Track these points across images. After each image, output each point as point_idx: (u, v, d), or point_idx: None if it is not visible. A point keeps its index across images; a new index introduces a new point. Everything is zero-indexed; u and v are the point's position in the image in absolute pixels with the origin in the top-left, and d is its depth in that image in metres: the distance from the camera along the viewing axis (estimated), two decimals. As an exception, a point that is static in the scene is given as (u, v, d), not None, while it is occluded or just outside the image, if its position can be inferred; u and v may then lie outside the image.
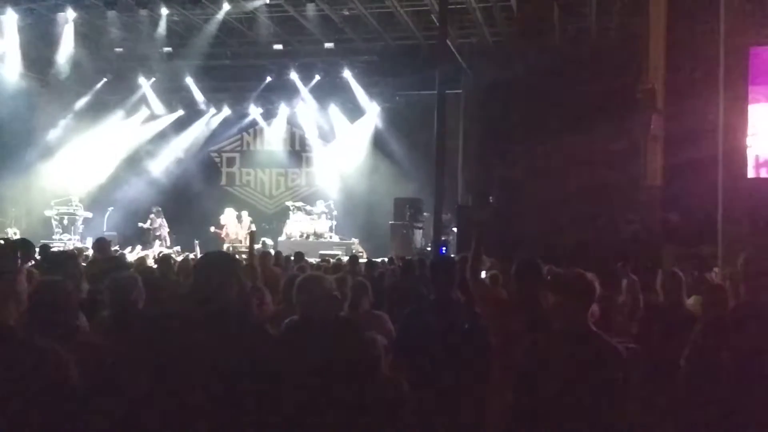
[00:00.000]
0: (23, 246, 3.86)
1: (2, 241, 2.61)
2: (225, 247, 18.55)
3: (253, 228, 19.88)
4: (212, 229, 19.40)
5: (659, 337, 4.89)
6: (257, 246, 17.21)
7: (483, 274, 8.54)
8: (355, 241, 19.57)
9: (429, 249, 16.59)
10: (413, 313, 4.49)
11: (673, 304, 5.28)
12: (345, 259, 11.77)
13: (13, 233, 17.47)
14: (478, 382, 4.23)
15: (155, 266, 8.63)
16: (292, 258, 10.54)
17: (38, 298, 2.83)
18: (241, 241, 18.95)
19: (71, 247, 15.15)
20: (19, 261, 2.30)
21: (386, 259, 12.77)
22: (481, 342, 4.24)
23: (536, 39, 16.02)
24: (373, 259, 12.03)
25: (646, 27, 14.24)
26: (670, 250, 11.88)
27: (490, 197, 16.15)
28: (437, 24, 15.70)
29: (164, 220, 19.56)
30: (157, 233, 19.21)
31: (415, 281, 7.04)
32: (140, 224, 19.21)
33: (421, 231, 18.90)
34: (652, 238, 12.84)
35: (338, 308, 4.30)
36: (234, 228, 19.48)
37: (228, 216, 19.55)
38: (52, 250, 11.49)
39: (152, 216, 19.35)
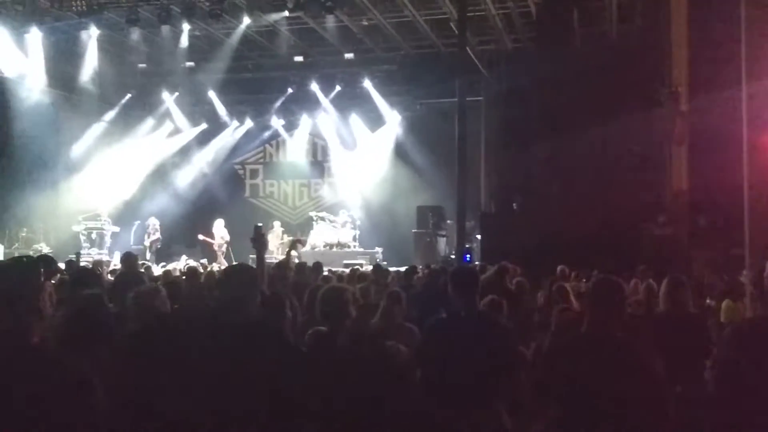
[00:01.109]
0: (45, 263, 3.91)
1: (24, 259, 2.65)
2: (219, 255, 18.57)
3: (286, 238, 19.97)
4: (200, 236, 19.35)
5: (663, 349, 4.78)
6: (281, 257, 17.28)
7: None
8: (379, 250, 19.56)
9: (453, 257, 16.53)
10: (436, 325, 4.43)
11: (678, 314, 5.12)
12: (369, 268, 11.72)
13: (44, 249, 17.70)
14: (504, 395, 4.16)
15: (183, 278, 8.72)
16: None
17: (78, 314, 2.91)
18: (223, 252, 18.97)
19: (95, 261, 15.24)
20: (42, 278, 2.33)
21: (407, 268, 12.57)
22: (508, 354, 4.16)
23: (556, 44, 15.95)
24: (400, 269, 11.88)
25: (667, 30, 14.12)
26: (699, 254, 11.73)
27: (514, 204, 16.06)
28: (456, 31, 15.70)
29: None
30: (156, 246, 19.14)
31: (440, 291, 6.97)
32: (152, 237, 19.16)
33: (444, 239, 18.83)
34: (681, 242, 12.69)
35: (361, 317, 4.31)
36: (221, 238, 19.30)
37: (218, 226, 19.44)
38: (80, 265, 11.64)
39: (158, 228, 19.31)
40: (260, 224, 5.44)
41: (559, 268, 9.63)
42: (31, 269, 2.41)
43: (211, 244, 19.15)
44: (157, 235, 19.11)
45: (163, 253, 18.91)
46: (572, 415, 3.16)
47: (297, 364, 3.35)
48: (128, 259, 7.07)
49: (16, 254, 16.95)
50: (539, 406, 3.40)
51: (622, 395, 3.10)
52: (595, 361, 3.18)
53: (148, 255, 18.49)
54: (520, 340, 5.24)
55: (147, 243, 18.98)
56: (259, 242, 4.71)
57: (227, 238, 19.13)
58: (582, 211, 14.20)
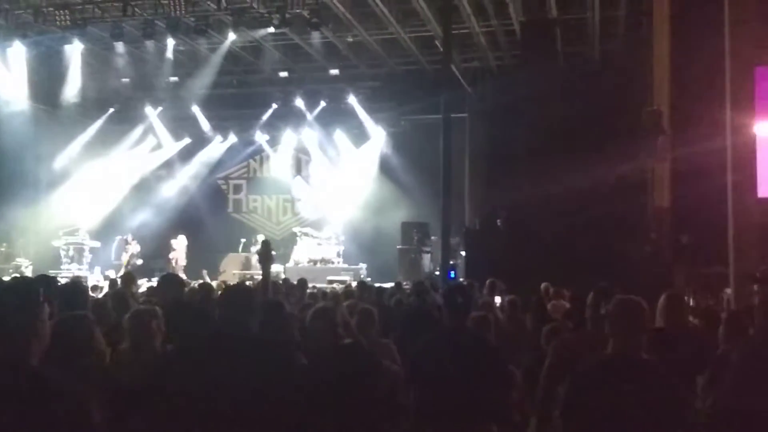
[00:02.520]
0: (44, 283, 3.87)
1: (23, 279, 2.62)
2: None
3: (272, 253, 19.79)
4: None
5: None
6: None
7: (498, 300, 8.54)
8: (363, 266, 19.52)
9: (438, 273, 16.54)
10: (429, 342, 4.42)
11: (677, 330, 5.14)
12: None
13: (23, 264, 17.50)
14: (495, 412, 4.16)
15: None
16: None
17: (59, 335, 2.88)
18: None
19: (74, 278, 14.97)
20: (41, 299, 2.30)
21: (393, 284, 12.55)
22: (498, 372, 4.17)
23: (540, 62, 16.09)
24: (381, 285, 11.87)
25: (650, 49, 14.31)
26: (681, 272, 11.82)
27: (498, 220, 16.11)
28: (441, 49, 15.81)
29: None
30: (135, 262, 18.88)
31: (429, 308, 6.95)
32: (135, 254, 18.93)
33: (429, 255, 18.85)
34: (663, 260, 12.78)
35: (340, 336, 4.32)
36: (183, 254, 19.08)
37: (180, 242, 19.21)
38: (60, 283, 11.47)
39: (131, 243, 19.10)
40: (267, 239, 5.50)
41: (543, 285, 9.64)
42: (30, 290, 2.38)
43: (173, 263, 18.95)
44: (135, 250, 18.84)
45: (142, 270, 18.67)
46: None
47: (302, 383, 3.38)
48: (128, 277, 7.07)
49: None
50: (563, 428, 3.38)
51: (651, 419, 3.10)
52: (624, 384, 3.18)
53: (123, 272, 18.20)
54: (508, 359, 5.25)
55: (124, 260, 18.68)
56: (265, 257, 4.73)
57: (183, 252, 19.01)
58: (566, 228, 14.28)
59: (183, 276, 17.37)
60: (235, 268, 19.57)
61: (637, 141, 14.58)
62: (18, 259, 18.05)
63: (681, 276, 11.94)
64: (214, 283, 11.04)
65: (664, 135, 12.81)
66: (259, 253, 4.91)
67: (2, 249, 18.52)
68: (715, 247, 10.47)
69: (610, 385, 3.18)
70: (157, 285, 5.41)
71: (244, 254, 20.16)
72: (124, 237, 19.10)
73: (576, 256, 12.97)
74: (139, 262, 18.79)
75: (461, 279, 14.15)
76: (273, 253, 6.04)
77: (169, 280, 5.29)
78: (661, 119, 12.93)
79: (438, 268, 16.74)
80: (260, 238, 20.22)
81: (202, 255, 19.82)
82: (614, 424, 3.11)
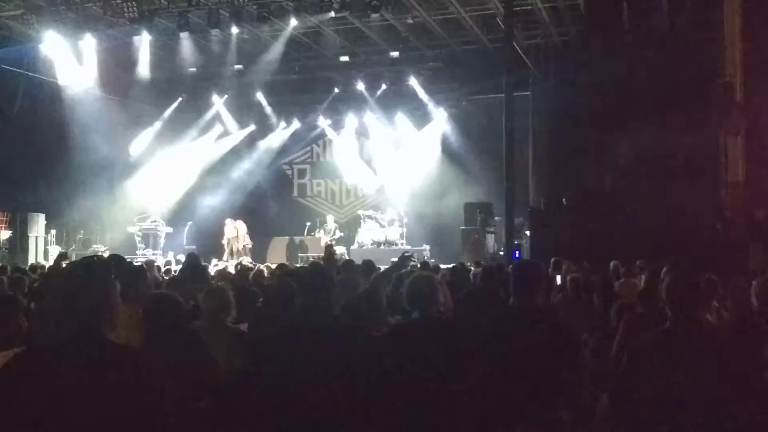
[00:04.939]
0: (117, 262, 4.03)
1: (96, 258, 2.77)
2: (226, 259, 18.40)
3: (339, 234, 20.21)
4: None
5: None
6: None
7: (558, 279, 8.45)
8: (426, 247, 19.54)
9: (502, 254, 16.43)
10: (495, 320, 4.35)
11: None
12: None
13: (100, 249, 18.21)
14: (565, 394, 4.08)
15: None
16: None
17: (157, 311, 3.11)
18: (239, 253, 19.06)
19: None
20: (113, 276, 2.42)
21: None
22: (568, 352, 4.08)
23: (606, 37, 15.70)
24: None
25: (720, 20, 13.77)
26: (757, 248, 11.42)
27: (563, 199, 15.86)
28: (503, 27, 15.60)
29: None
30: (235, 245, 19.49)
31: (496, 288, 6.90)
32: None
33: (493, 236, 18.71)
34: (737, 237, 12.37)
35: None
36: (234, 240, 19.38)
37: (229, 227, 19.53)
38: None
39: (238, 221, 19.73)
40: (331, 243, 5.68)
41: (612, 264, 9.48)
42: (102, 268, 2.50)
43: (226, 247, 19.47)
44: (243, 230, 19.43)
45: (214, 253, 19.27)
46: (661, 412, 3.14)
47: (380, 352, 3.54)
48: (192, 259, 7.31)
49: (74, 256, 17.50)
50: (621, 402, 3.40)
51: (713, 390, 3.09)
52: (684, 356, 3.19)
53: (225, 257, 18.89)
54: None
55: (224, 242, 19.41)
56: (329, 261, 4.87)
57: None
58: (634, 206, 13.95)
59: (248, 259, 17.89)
60: (283, 252, 19.94)
61: (709, 114, 14.11)
62: (95, 246, 18.79)
63: (757, 253, 11.54)
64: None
65: (736, 107, 12.37)
66: (323, 258, 5.11)
67: (80, 236, 19.34)
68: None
69: (668, 359, 3.16)
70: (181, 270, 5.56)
71: (299, 237, 20.52)
72: (223, 222, 19.63)
73: (645, 235, 12.67)
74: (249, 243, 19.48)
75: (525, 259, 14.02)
76: (340, 233, 6.14)
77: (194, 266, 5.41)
78: (734, 91, 12.48)
79: (502, 249, 16.62)
80: (329, 218, 20.61)
81: (267, 239, 20.29)
82: (676, 396, 3.10)
